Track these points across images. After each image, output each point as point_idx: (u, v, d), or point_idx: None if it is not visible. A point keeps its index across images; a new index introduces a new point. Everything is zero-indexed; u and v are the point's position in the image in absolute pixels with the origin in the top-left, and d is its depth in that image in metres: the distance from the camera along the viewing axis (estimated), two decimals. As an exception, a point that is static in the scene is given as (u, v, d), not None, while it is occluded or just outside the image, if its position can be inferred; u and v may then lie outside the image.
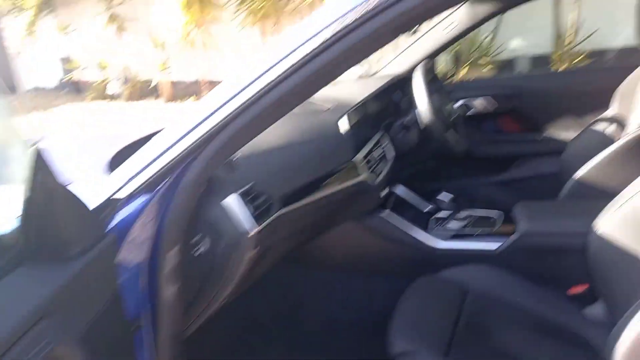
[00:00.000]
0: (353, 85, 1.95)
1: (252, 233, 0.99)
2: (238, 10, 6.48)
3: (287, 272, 1.67)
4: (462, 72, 5.35)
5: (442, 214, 1.74)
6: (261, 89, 0.84)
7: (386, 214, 1.63)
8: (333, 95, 1.72)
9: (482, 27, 5.59)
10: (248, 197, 1.01)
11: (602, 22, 4.96)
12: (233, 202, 0.98)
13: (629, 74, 1.83)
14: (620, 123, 1.83)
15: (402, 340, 1.18)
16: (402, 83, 2.07)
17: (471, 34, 5.62)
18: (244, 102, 0.85)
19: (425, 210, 1.80)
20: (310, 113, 1.55)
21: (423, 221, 1.71)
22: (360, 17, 0.81)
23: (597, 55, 5.22)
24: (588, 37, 5.07)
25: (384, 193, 1.63)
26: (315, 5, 5.95)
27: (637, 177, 1.30)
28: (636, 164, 1.57)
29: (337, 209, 1.46)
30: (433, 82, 2.06)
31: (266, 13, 6.31)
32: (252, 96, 0.85)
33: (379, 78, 2.02)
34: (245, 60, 1.01)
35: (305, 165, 1.28)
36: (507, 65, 5.67)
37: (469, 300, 1.36)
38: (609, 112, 1.90)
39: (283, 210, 1.11)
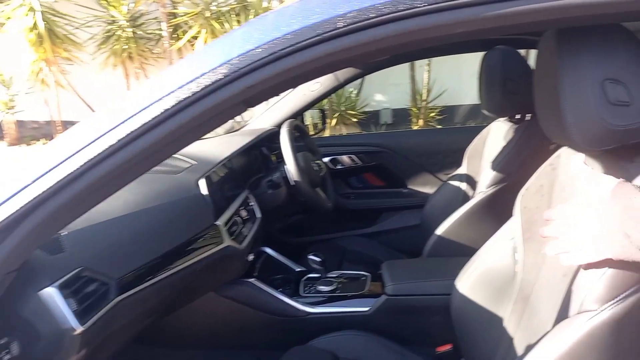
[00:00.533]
0: (217, 142, 1.84)
1: (77, 332, 0.80)
2: (99, 49, 6.07)
3: (138, 356, 1.46)
4: (331, 124, 5.56)
5: (312, 275, 1.68)
6: (108, 147, 0.69)
7: (252, 280, 1.52)
8: (194, 152, 1.59)
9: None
10: (73, 287, 0.82)
11: (451, 83, 5.57)
12: (50, 296, 0.79)
13: (476, 134, 1.99)
14: (471, 181, 1.97)
15: None
16: (268, 139, 2.02)
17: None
18: (85, 162, 0.69)
19: (297, 270, 1.72)
20: (165, 173, 1.41)
21: (293, 285, 1.63)
22: (212, 84, 0.72)
23: (448, 111, 5.82)
24: (439, 95, 5.65)
25: (250, 257, 1.52)
26: (183, 51, 5.81)
27: (489, 235, 1.37)
28: (487, 222, 1.68)
29: (198, 280, 1.31)
30: (301, 138, 2.04)
31: (130, 55, 6.00)
32: (96, 155, 0.69)
33: (244, 134, 1.95)
34: (93, 112, 0.84)
35: (156, 236, 1.13)
36: (373, 117, 6.05)
37: (341, 368, 1.30)
38: (461, 170, 2.04)
39: (123, 296, 0.94)
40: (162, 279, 1.10)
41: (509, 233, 1.33)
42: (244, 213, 1.56)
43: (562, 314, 0.98)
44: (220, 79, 0.71)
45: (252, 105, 0.83)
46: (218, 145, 1.76)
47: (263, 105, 2.18)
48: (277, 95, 0.92)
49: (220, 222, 1.36)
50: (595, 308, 0.79)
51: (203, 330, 1.50)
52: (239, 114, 0.84)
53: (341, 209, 2.43)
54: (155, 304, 1.14)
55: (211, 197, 1.37)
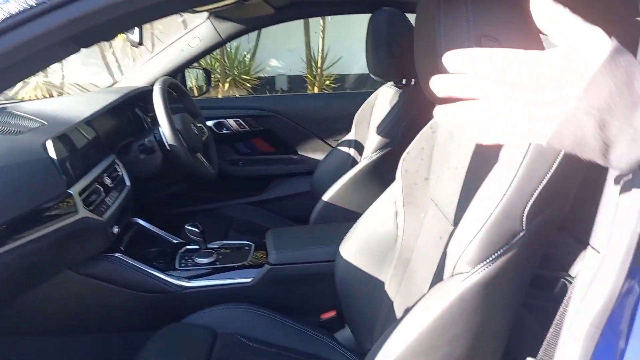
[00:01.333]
0: (76, 100, 1.61)
1: None
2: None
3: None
4: (224, 89, 5.31)
5: (190, 247, 1.55)
6: None
7: (117, 255, 1.35)
8: (46, 111, 1.36)
9: (243, 45, 5.63)
10: None
11: (346, 51, 5.57)
12: None
13: (364, 100, 1.96)
14: (359, 146, 1.95)
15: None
16: (141, 99, 1.81)
17: (232, 51, 5.62)
18: None
19: (175, 242, 1.58)
20: (4, 134, 1.18)
21: (168, 259, 1.49)
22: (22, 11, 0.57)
23: (342, 79, 5.84)
24: (334, 63, 5.63)
25: (115, 230, 1.35)
26: None
27: (374, 201, 1.35)
28: (372, 188, 1.66)
29: (49, 256, 1.12)
30: (180, 98, 1.86)
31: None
32: None
33: (110, 92, 1.73)
34: None
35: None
36: (268, 83, 5.89)
37: (219, 345, 1.21)
38: (350, 136, 2.01)
39: None
40: (2, 254, 0.91)
41: (391, 197, 1.31)
42: (107, 181, 1.38)
43: (438, 278, 0.97)
44: (33, 7, 0.57)
45: (85, 45, 0.69)
46: (77, 103, 1.53)
47: (137, 62, 1.96)
48: (112, 37, 0.78)
49: (74, 190, 1.18)
50: (467, 270, 0.77)
51: (59, 314, 1.31)
52: (70, 53, 0.69)
53: (228, 176, 2.30)
54: (3, 283, 0.95)
55: (61, 161, 1.17)
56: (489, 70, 0.41)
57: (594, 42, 0.40)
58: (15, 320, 1.28)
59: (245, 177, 2.34)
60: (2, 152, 1.09)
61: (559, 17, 0.40)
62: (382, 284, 1.25)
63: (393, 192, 1.30)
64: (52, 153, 1.17)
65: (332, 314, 1.44)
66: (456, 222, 0.97)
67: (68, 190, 1.17)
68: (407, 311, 1.06)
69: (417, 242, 1.18)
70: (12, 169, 1.06)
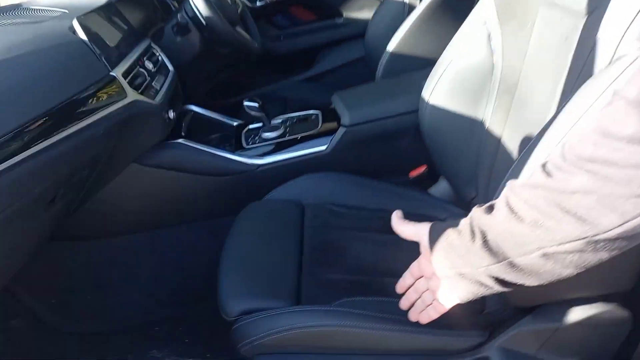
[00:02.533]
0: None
1: None
2: None
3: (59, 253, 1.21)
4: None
5: (254, 125, 1.41)
6: None
7: (181, 141, 1.23)
8: (65, 2, 1.19)
9: None
10: None
11: None
12: None
13: None
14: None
15: (236, 299, 0.87)
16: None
17: None
18: None
19: (234, 125, 1.45)
20: (24, 24, 1.03)
21: (233, 141, 1.37)
22: None
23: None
24: None
25: (171, 115, 1.22)
26: None
27: (450, 37, 1.13)
28: (443, 25, 1.43)
29: (107, 148, 1.01)
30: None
31: None
32: None
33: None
34: None
35: (28, 90, 0.81)
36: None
37: (309, 215, 1.11)
38: (400, -22, 1.73)
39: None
40: (54, 144, 0.80)
41: (477, 21, 1.08)
42: (149, 65, 1.22)
43: (572, 83, 0.78)
44: None
45: None
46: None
47: None
48: None
49: (116, 72, 1.03)
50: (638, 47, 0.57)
51: (136, 211, 1.24)
52: None
53: (271, 55, 2.10)
54: (57, 182, 0.85)
55: (95, 43, 1.01)
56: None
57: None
58: (95, 223, 1.22)
59: (290, 53, 2.13)
60: (27, 39, 0.94)
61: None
62: (480, 122, 1.07)
63: (480, 14, 1.07)
64: (82, 34, 1.01)
65: (422, 169, 1.29)
66: (592, 8, 0.75)
67: (110, 73, 1.02)
68: (527, 140, 0.89)
69: (525, 60, 0.97)
70: (43, 54, 0.91)
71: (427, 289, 0.73)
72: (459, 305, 0.85)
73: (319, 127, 1.34)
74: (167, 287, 1.28)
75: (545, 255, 0.51)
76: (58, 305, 1.24)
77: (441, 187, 1.23)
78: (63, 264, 1.25)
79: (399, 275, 0.95)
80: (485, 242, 0.57)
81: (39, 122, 0.80)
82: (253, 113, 1.32)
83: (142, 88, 1.11)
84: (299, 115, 1.42)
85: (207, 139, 1.35)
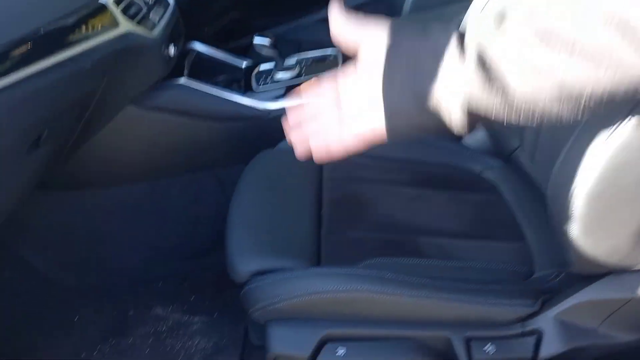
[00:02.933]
0: None
1: None
2: None
3: (54, 206, 1.11)
4: None
5: (265, 66, 1.27)
6: None
7: (183, 81, 1.10)
8: None
9: None
10: None
11: None
12: None
13: None
14: None
15: (247, 259, 0.76)
16: None
17: None
18: None
19: (243, 65, 1.30)
20: None
21: (242, 83, 1.23)
22: None
23: None
24: None
25: (172, 51, 1.08)
26: None
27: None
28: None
29: (100, 85, 0.88)
30: None
31: None
32: None
33: None
34: None
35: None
36: None
37: (328, 166, 0.98)
38: None
39: None
40: (36, 75, 0.67)
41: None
42: (146, -7, 1.06)
43: None
44: None
45: None
46: None
47: None
48: None
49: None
50: None
51: (136, 158, 1.12)
52: None
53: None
54: (40, 121, 0.73)
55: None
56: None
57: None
58: (91, 171, 1.11)
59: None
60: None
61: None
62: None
63: None
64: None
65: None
66: None
67: (100, 0, 0.88)
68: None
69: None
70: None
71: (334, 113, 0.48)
72: (503, 268, 0.73)
73: (339, 67, 1.19)
74: (171, 241, 1.18)
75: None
76: (54, 257, 1.15)
77: (477, 136, 1.09)
78: (59, 215, 1.15)
79: (434, 234, 0.84)
80: (483, 66, 0.38)
81: (18, 48, 0.67)
82: (264, 52, 1.18)
83: (137, 19, 0.97)
84: (316, 55, 1.27)
85: (213, 80, 1.21)
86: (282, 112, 1.13)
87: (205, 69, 1.28)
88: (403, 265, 0.76)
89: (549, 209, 0.70)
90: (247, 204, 0.87)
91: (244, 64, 1.30)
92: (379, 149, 1.04)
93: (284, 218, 0.84)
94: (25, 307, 1.09)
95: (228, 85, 1.22)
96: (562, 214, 0.60)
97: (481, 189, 0.97)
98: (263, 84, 1.19)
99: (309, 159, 0.48)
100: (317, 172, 0.98)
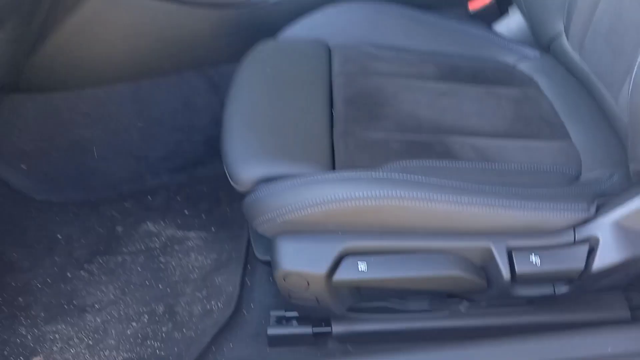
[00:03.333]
0: None
1: None
2: None
3: (22, 111, 0.96)
4: None
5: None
6: None
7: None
8: None
9: None
10: None
11: None
12: None
13: None
14: None
15: (249, 164, 0.64)
16: None
17: None
18: None
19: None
20: None
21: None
22: None
23: None
24: None
25: None
26: None
27: None
28: None
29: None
30: None
31: None
32: None
33: None
34: None
35: None
36: None
37: (338, 59, 0.84)
38: None
39: None
40: None
41: None
42: None
43: None
44: None
45: None
46: None
47: None
48: None
49: None
50: None
51: (112, 56, 0.96)
52: None
53: None
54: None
55: None
56: None
57: None
58: (62, 69, 0.95)
59: None
60: None
61: None
62: None
63: None
64: None
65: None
66: None
67: None
68: None
69: None
70: None
71: None
72: (549, 169, 0.62)
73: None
74: (159, 149, 1.05)
75: None
76: (28, 170, 1.02)
77: (512, 22, 0.94)
78: (28, 122, 1.01)
79: (467, 133, 0.71)
80: None
81: None
82: None
83: None
84: None
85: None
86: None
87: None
88: (433, 168, 0.64)
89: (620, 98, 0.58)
90: (246, 102, 0.73)
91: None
92: (397, 38, 0.90)
93: (290, 117, 0.71)
94: (1, 225, 0.98)
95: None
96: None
97: (517, 82, 0.83)
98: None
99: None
100: (326, 65, 0.83)
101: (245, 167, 0.63)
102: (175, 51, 0.99)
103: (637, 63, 0.56)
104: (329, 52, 0.87)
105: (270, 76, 0.78)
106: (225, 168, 0.65)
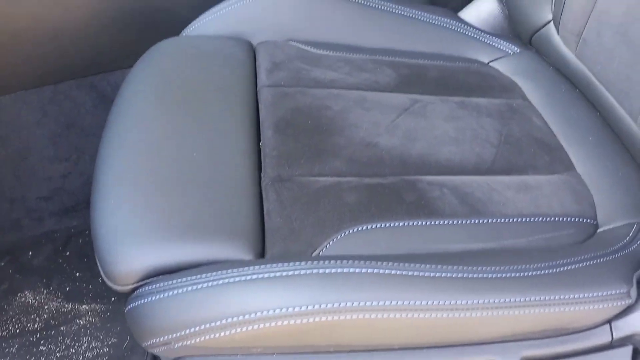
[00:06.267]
0: None
1: None
2: None
3: None
4: None
5: None
6: None
7: None
8: None
9: None
10: None
11: None
12: None
13: None
14: None
15: (129, 249, 0.42)
16: None
17: None
18: None
19: None
20: None
21: None
22: None
23: None
24: None
25: None
26: None
27: None
28: None
29: None
30: None
31: None
32: None
33: None
34: None
35: None
36: None
37: (264, 65, 0.62)
38: None
39: None
40: None
41: None
42: None
43: None
44: None
45: None
46: None
47: None
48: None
49: None
50: None
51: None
52: None
53: None
54: None
55: None
56: None
57: None
58: None
59: None
60: None
61: None
62: None
63: None
64: None
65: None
66: None
67: None
68: None
69: None
70: None
71: None
72: (560, 222, 0.44)
73: None
74: (40, 187, 0.79)
75: None
76: None
77: (483, 9, 0.74)
78: None
79: (443, 169, 0.52)
80: None
81: None
82: None
83: None
84: None
85: None
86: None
87: None
88: (406, 236, 0.45)
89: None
90: (127, 137, 0.50)
91: None
92: (342, 33, 0.69)
93: (194, 161, 0.49)
94: None
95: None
96: None
97: (497, 88, 0.65)
98: None
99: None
100: (248, 72, 0.61)
101: (122, 253, 0.41)
102: (46, 57, 0.73)
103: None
104: (252, 52, 0.65)
105: (168, 92, 0.55)
106: (95, 254, 0.43)
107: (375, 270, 0.38)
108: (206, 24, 0.66)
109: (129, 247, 0.41)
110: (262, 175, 0.50)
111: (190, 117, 0.52)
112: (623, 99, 0.54)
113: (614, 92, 0.55)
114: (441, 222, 0.46)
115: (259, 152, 0.52)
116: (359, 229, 0.44)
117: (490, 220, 0.47)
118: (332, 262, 0.38)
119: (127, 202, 0.43)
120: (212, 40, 0.64)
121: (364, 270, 0.38)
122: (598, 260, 0.43)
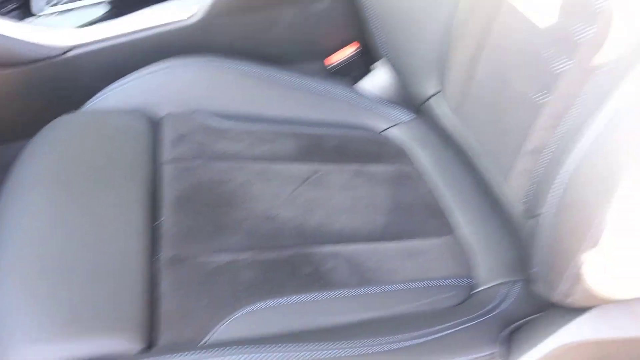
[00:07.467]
0: None
1: None
2: None
3: None
4: None
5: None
6: None
7: None
8: None
9: None
10: None
11: None
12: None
13: None
14: None
15: (13, 342, 0.40)
16: None
17: None
18: None
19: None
20: None
21: (15, 2, 0.77)
22: None
23: None
24: None
25: None
26: None
27: None
28: None
29: None
30: None
31: None
32: None
33: None
34: None
35: None
36: None
37: (168, 139, 0.63)
38: None
39: None
40: None
41: None
42: None
43: None
44: None
45: None
46: None
47: None
48: None
49: None
50: None
51: None
52: None
53: None
54: None
55: None
56: None
57: None
58: None
59: None
60: None
61: None
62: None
63: None
64: None
65: (348, 50, 0.84)
66: None
67: None
68: None
69: None
70: None
71: None
72: (440, 285, 0.48)
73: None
74: None
75: None
76: None
77: (378, 79, 0.80)
78: None
79: (337, 239, 0.55)
80: None
81: None
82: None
83: None
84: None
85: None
86: (87, 49, 0.72)
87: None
88: (298, 312, 0.47)
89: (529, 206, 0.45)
90: (16, 221, 0.49)
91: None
92: (243, 103, 0.72)
93: (83, 249, 0.48)
94: None
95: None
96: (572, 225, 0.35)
97: (388, 155, 0.70)
98: (52, 4, 0.75)
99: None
100: (148, 146, 0.62)
101: (8, 349, 0.40)
102: None
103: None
104: (155, 126, 0.66)
105: (61, 173, 0.55)
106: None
107: (257, 356, 0.39)
108: (108, 98, 0.67)
109: (6, 349, 0.40)
110: (156, 256, 0.50)
111: (83, 200, 0.52)
112: (495, 163, 0.60)
113: (489, 156, 0.62)
114: (333, 295, 0.49)
115: (157, 231, 0.53)
116: (253, 309, 0.46)
117: (379, 289, 0.51)
118: (217, 350, 0.39)
119: (7, 299, 0.42)
120: (112, 114, 0.64)
121: (245, 356, 0.39)
122: (470, 324, 0.47)
